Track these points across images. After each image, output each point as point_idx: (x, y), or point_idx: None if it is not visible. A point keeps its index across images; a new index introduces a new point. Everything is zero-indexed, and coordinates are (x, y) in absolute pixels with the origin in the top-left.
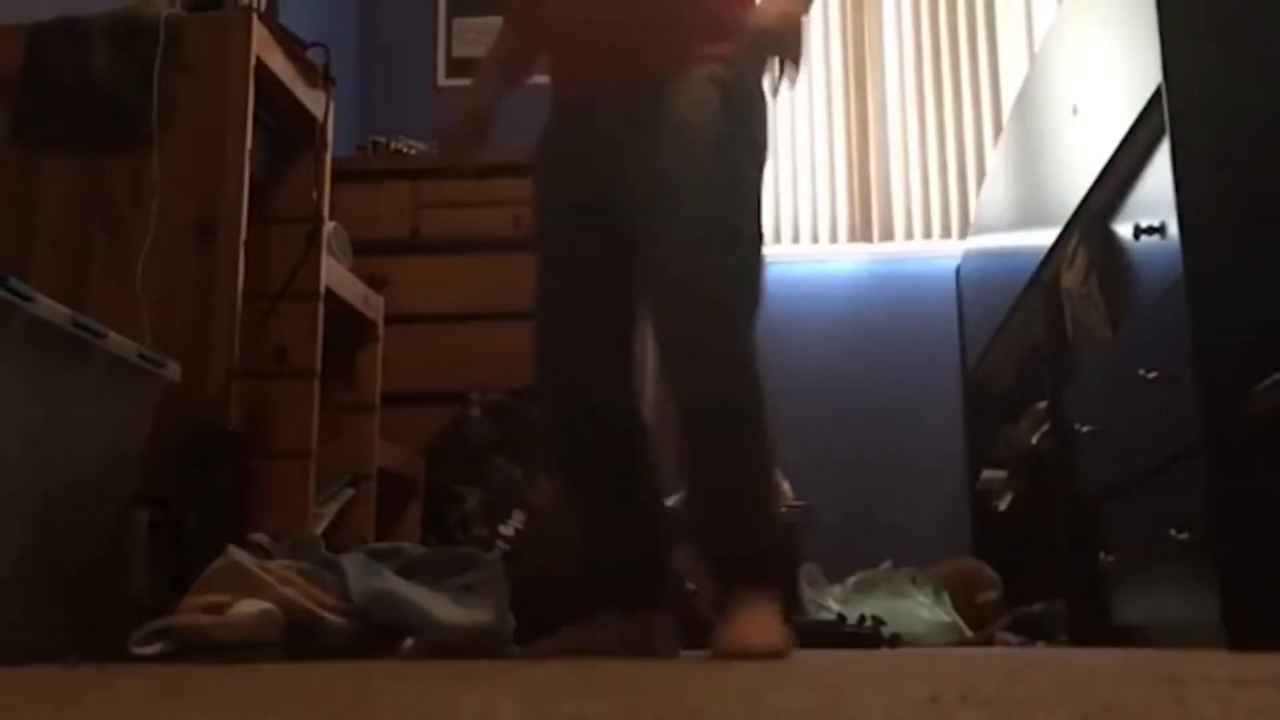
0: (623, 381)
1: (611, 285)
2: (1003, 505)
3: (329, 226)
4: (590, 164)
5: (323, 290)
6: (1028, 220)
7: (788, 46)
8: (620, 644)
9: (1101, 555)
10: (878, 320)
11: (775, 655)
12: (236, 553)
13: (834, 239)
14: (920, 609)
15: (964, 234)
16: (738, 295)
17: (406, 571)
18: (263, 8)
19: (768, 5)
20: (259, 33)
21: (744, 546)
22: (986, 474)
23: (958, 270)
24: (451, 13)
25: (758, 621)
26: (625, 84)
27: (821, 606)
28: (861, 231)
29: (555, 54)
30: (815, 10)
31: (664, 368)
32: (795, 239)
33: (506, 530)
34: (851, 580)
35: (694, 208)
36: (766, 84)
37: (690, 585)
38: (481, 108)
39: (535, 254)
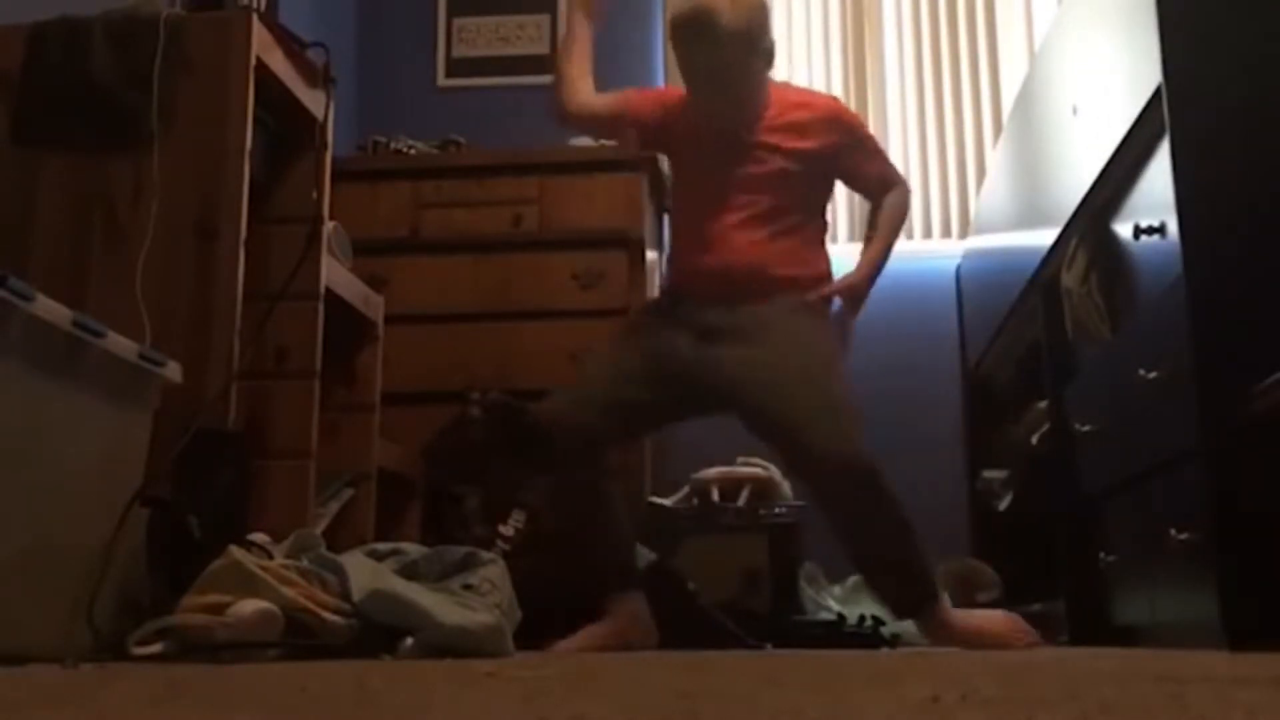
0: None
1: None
2: (1003, 505)
3: (329, 226)
4: (691, 348)
5: (323, 290)
6: (1028, 220)
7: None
8: (628, 626)
9: (1101, 555)
10: (878, 320)
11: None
12: (236, 553)
13: (833, 239)
14: None
15: (964, 234)
16: (852, 440)
17: (406, 571)
18: (263, 8)
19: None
20: (259, 33)
21: (907, 589)
22: (986, 474)
23: (958, 270)
24: (451, 13)
25: (967, 625)
26: (738, 298)
27: (821, 606)
28: (861, 231)
29: (682, 243)
30: (815, 10)
31: (815, 495)
32: None
33: (506, 530)
34: (851, 580)
35: (808, 395)
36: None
37: (690, 586)
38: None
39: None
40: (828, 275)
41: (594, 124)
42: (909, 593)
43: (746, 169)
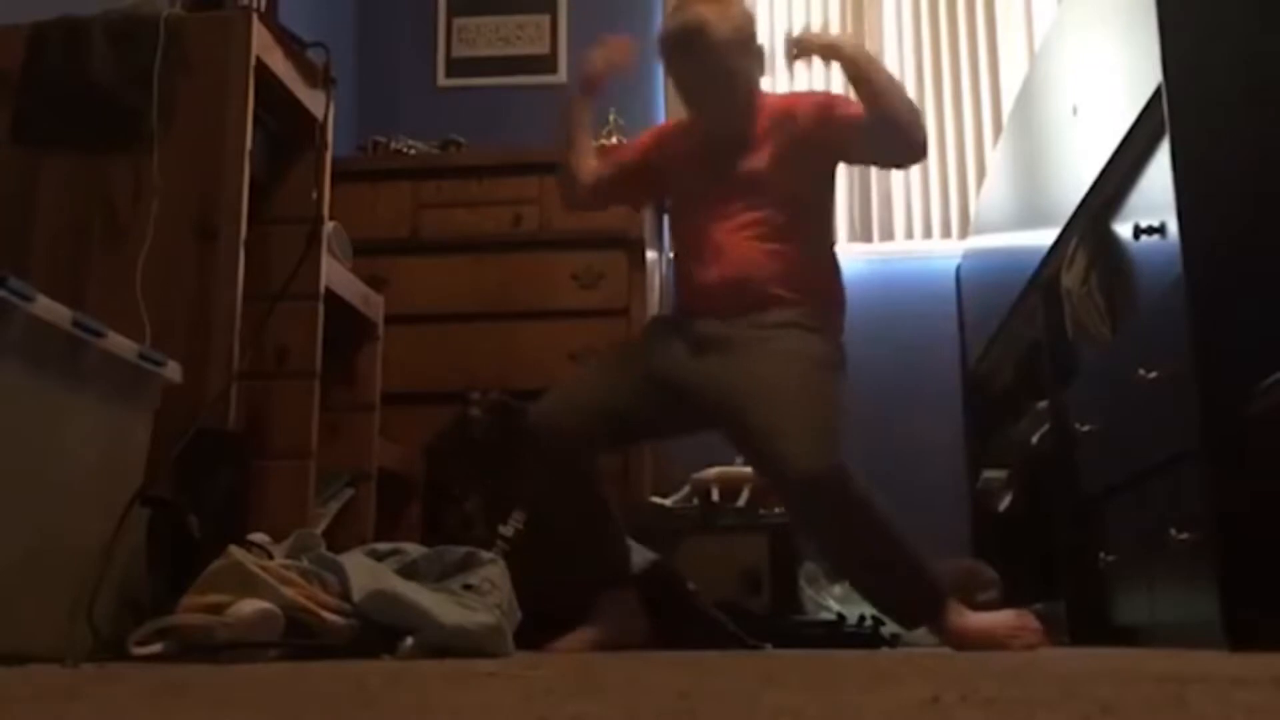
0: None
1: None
2: (1003, 505)
3: (329, 226)
4: (685, 359)
5: (323, 290)
6: (1028, 220)
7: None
8: (621, 624)
9: (1101, 555)
10: (878, 320)
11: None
12: (236, 553)
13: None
14: None
15: (964, 234)
16: (822, 457)
17: (406, 571)
18: (263, 8)
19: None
20: (259, 33)
21: (906, 600)
22: (986, 474)
23: (958, 270)
24: (451, 13)
25: (979, 626)
26: (734, 311)
27: (821, 606)
28: (861, 231)
29: (684, 269)
30: (815, 10)
31: (789, 509)
32: None
33: (506, 530)
34: None
35: (785, 407)
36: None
37: (690, 585)
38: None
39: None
40: (832, 299)
41: (598, 203)
42: (908, 603)
43: (742, 175)
